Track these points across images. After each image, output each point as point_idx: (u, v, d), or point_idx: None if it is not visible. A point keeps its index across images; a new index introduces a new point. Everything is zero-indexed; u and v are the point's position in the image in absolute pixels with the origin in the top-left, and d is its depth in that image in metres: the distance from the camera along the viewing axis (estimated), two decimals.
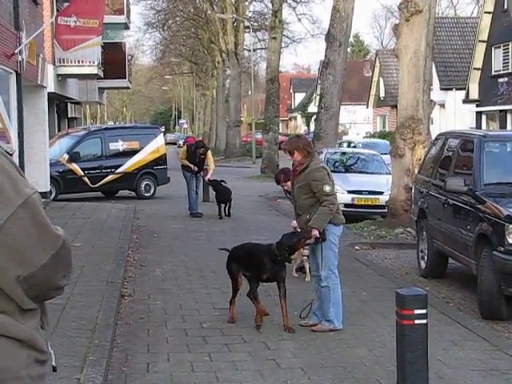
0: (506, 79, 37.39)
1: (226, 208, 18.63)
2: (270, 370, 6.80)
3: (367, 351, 7.40)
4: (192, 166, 18.58)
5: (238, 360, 7.07)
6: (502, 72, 37.85)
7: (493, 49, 38.63)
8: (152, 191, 23.98)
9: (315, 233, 8.00)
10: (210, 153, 19.16)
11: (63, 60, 26.46)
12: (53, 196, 21.23)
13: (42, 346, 2.32)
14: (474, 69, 40.20)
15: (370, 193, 18.30)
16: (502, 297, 8.84)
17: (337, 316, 8.17)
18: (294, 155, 8.26)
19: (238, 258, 8.57)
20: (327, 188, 8.03)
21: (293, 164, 8.54)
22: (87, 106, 62.49)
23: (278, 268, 8.21)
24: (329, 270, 8.17)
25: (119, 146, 23.58)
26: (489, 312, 9.01)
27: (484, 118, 40.80)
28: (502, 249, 8.64)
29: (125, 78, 37.30)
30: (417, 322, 5.53)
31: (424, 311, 5.57)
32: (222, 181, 18.91)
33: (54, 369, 2.45)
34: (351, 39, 69.77)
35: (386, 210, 17.07)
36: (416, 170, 14.60)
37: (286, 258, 8.29)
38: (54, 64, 25.82)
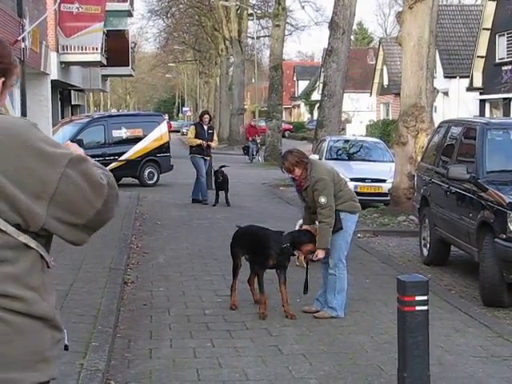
0: (509, 67, 37.29)
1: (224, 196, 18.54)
2: (271, 356, 6.83)
3: (369, 338, 7.43)
4: (202, 141, 18.41)
5: (241, 346, 7.11)
6: (505, 60, 37.75)
7: (497, 37, 38.52)
8: (155, 179, 23.99)
9: (321, 255, 7.95)
10: (215, 132, 19.23)
11: (67, 47, 26.44)
12: None
13: (61, 325, 2.36)
14: (478, 57, 40.08)
15: (373, 181, 18.26)
16: (504, 284, 8.85)
17: (340, 305, 8.18)
18: (295, 171, 8.01)
19: (242, 239, 8.56)
20: (322, 200, 7.86)
21: (293, 179, 8.40)
22: (90, 94, 62.35)
23: (283, 257, 8.16)
24: (337, 259, 8.16)
25: (122, 133, 23.56)
26: (490, 299, 9.03)
27: (488, 106, 40.71)
28: (504, 236, 8.64)
29: (128, 66, 37.26)
30: (418, 308, 5.54)
31: (425, 298, 5.57)
32: (223, 166, 18.87)
33: (66, 347, 2.48)
34: (355, 27, 69.48)
35: (388, 198, 17.08)
36: (419, 158, 14.60)
37: (290, 250, 8.21)
38: (57, 51, 25.79)
